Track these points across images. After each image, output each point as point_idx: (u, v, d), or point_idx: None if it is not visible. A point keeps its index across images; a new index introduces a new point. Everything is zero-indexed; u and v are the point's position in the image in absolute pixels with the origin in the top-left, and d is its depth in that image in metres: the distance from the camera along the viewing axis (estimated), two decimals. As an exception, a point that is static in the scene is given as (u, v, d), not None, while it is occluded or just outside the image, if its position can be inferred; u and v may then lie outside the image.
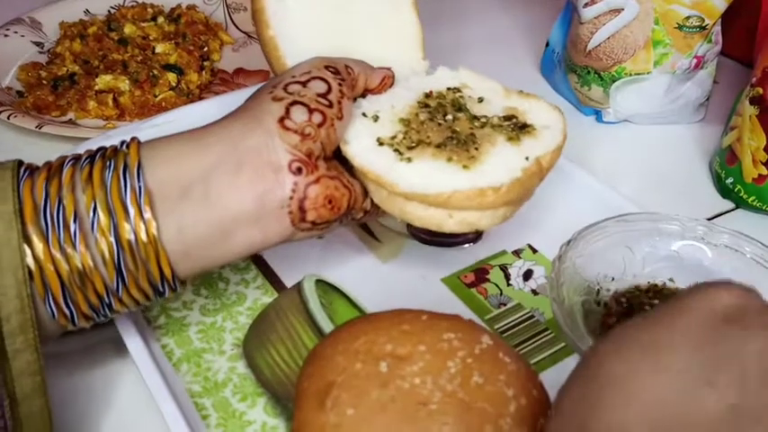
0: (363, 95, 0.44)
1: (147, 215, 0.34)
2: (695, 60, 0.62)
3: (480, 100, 0.45)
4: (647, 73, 0.62)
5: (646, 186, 0.60)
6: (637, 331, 0.27)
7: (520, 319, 0.47)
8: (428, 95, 0.45)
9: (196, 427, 0.39)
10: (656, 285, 0.45)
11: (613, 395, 0.25)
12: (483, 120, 0.43)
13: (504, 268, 0.51)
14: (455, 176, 0.39)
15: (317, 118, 0.38)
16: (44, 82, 0.66)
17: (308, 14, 0.47)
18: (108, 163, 0.35)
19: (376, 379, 0.33)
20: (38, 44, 0.73)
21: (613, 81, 0.63)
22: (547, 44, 0.72)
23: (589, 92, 0.66)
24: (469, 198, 0.39)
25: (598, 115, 0.67)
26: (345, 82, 0.41)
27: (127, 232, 0.34)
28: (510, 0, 0.89)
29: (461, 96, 0.45)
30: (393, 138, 0.41)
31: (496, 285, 0.49)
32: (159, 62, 0.68)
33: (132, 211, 0.34)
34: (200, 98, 0.67)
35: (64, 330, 0.36)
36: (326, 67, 0.41)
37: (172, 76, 0.67)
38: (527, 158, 0.41)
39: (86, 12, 0.78)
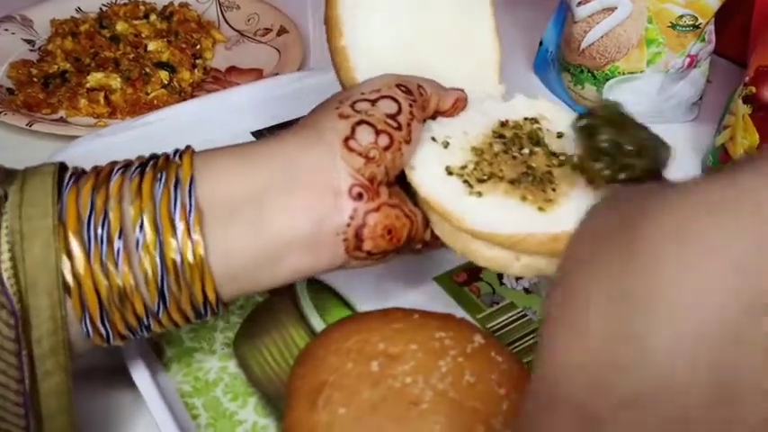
0: (434, 117, 0.41)
1: (197, 236, 0.32)
2: (688, 59, 0.62)
3: (560, 135, 0.41)
4: (641, 72, 0.62)
5: (639, 185, 0.60)
6: (708, 216, 0.20)
7: (512, 318, 0.47)
8: (504, 124, 0.41)
9: (186, 427, 0.39)
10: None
11: (680, 300, 0.19)
12: (562, 157, 0.39)
13: (496, 267, 0.50)
14: (529, 218, 0.36)
15: (383, 141, 0.36)
16: (35, 80, 0.66)
17: (384, 28, 0.44)
18: (159, 175, 0.33)
19: (367, 378, 0.33)
20: (29, 42, 0.73)
21: (607, 80, 0.63)
22: (540, 43, 0.72)
23: (582, 91, 0.65)
24: (543, 243, 0.35)
25: (591, 114, 0.67)
26: (416, 103, 0.38)
27: (173, 251, 0.32)
28: (507, 1, 0.88)
29: (539, 129, 0.41)
30: (463, 168, 0.38)
31: (489, 284, 0.49)
32: (151, 60, 0.68)
33: (180, 229, 0.32)
34: (193, 96, 0.66)
35: (95, 348, 0.34)
36: (398, 86, 0.38)
37: (164, 74, 0.66)
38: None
39: (78, 9, 0.78)
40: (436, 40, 0.45)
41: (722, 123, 0.58)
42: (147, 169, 0.34)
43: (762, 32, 0.55)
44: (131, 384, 0.40)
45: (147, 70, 0.66)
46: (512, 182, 0.37)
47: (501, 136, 0.41)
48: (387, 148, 0.36)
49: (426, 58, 0.44)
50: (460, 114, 0.42)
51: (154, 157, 0.35)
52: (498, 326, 0.46)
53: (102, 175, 0.33)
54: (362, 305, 0.47)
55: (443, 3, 0.45)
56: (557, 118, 0.42)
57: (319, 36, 0.80)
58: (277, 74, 0.68)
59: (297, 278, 0.36)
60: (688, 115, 0.66)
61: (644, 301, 0.19)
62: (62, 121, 0.63)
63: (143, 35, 0.71)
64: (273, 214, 0.34)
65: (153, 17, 0.74)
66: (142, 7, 0.75)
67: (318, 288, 0.48)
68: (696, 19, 0.60)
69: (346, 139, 0.35)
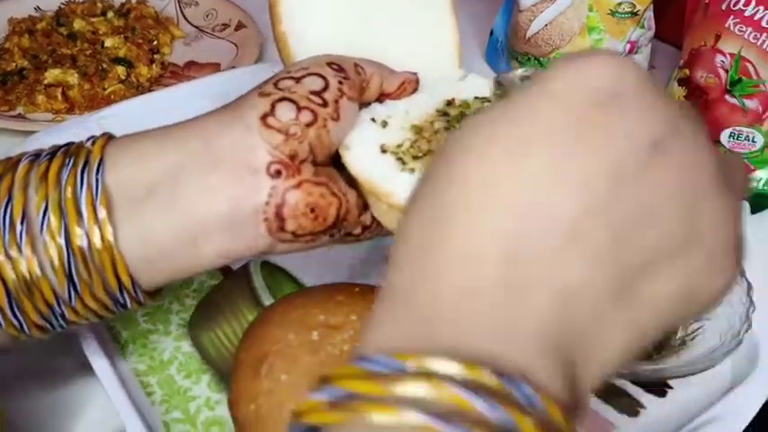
0: (381, 101, 0.40)
1: (103, 217, 0.31)
2: (629, 45, 0.64)
3: None
4: (584, 58, 0.64)
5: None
6: (490, 128, 0.22)
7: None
8: (450, 103, 0.41)
9: (141, 403, 0.40)
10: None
11: (467, 205, 0.21)
12: None
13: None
14: None
15: (305, 117, 0.34)
16: (-7, 77, 0.67)
17: (326, 12, 0.43)
18: (68, 160, 0.33)
19: (308, 347, 0.35)
20: (-14, 41, 0.73)
21: (552, 67, 0.65)
22: (491, 33, 0.74)
23: (530, 78, 0.68)
24: None
25: (540, 101, 0.69)
26: (349, 81, 0.37)
27: (78, 237, 0.31)
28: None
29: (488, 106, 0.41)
30: (399, 146, 0.37)
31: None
32: (108, 56, 0.69)
33: (86, 213, 0.31)
34: (150, 91, 0.67)
35: (18, 340, 0.34)
36: (329, 64, 0.37)
37: (121, 70, 0.68)
38: None
39: (37, 8, 0.79)
40: (389, 24, 0.44)
41: (661, 106, 0.60)
42: (57, 155, 0.33)
43: (695, 16, 0.57)
44: (87, 365, 0.41)
45: (104, 66, 0.67)
46: None
47: (445, 114, 0.40)
48: (310, 125, 0.34)
49: (377, 44, 0.43)
50: (410, 97, 0.41)
51: (69, 144, 0.34)
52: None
53: (10, 163, 0.33)
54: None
55: None
56: None
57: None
58: (234, 67, 0.69)
59: (221, 262, 0.35)
60: (632, 100, 0.69)
61: (440, 216, 0.22)
62: (20, 117, 0.64)
63: (100, 32, 0.72)
64: (188, 194, 0.33)
65: (110, 14, 0.75)
66: (99, 4, 0.76)
67: (272, 269, 0.49)
68: (634, 6, 0.62)
69: (264, 116, 0.34)
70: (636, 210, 0.21)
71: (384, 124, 0.39)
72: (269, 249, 0.35)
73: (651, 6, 0.63)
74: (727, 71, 0.53)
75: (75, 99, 0.65)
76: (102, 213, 0.32)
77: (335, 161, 0.37)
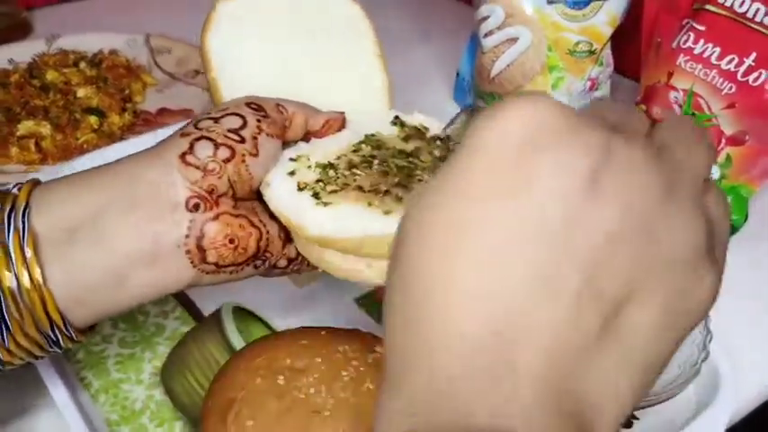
0: (307, 139, 0.42)
1: (30, 258, 0.33)
2: (590, 83, 0.66)
3: (429, 145, 0.43)
4: (546, 96, 0.66)
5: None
6: (436, 195, 0.22)
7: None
8: (371, 137, 0.43)
9: (112, 454, 0.40)
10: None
11: (429, 297, 0.21)
12: (423, 168, 0.41)
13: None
14: (370, 221, 0.37)
15: (223, 153, 0.36)
16: (-34, 130, 0.68)
17: (255, 59, 0.46)
18: None
19: (274, 391, 0.35)
20: (-40, 94, 0.74)
21: (516, 105, 0.67)
22: (457, 74, 0.76)
23: (496, 116, 0.69)
24: (382, 245, 0.35)
25: (506, 138, 0.70)
26: (268, 119, 0.39)
27: (8, 279, 0.33)
28: (425, 35, 0.93)
29: (405, 140, 0.43)
30: (317, 181, 0.39)
31: (407, 302, 0.52)
32: (81, 106, 0.70)
33: (14, 255, 0.33)
34: (122, 139, 0.68)
35: None
36: (247, 104, 0.39)
37: (93, 119, 0.69)
38: None
39: (10, 61, 0.80)
40: (317, 69, 0.47)
41: (622, 140, 0.62)
42: None
43: (648, 54, 0.59)
44: (58, 415, 0.41)
45: (77, 116, 0.68)
46: (365, 190, 0.38)
47: (370, 146, 0.42)
48: (227, 161, 0.36)
49: (306, 87, 0.45)
50: (335, 135, 0.43)
51: None
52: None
53: None
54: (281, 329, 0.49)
55: (322, 33, 0.47)
56: (433, 129, 0.45)
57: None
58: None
59: (151, 297, 0.36)
60: (595, 134, 0.71)
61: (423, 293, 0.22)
62: (-7, 169, 0.65)
63: (73, 83, 0.73)
64: (113, 233, 0.34)
65: (82, 65, 0.76)
66: (72, 56, 0.78)
67: (243, 315, 0.50)
68: (591, 45, 0.64)
69: (183, 155, 0.36)
70: (592, 248, 0.20)
71: (304, 161, 0.40)
72: (195, 281, 0.37)
73: (608, 44, 0.65)
74: (680, 106, 0.55)
75: (48, 150, 0.66)
76: (29, 254, 0.33)
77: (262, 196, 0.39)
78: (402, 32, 0.94)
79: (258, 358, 0.37)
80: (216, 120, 0.38)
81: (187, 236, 0.35)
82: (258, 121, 0.38)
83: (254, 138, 0.38)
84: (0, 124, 0.68)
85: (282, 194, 0.38)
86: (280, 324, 0.49)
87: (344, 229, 0.36)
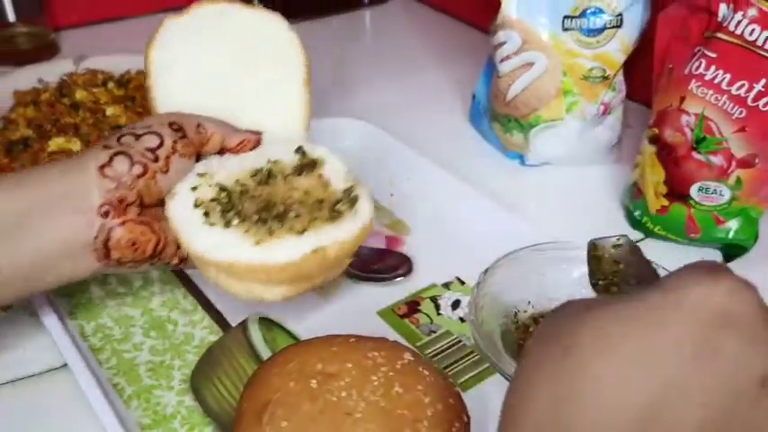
0: (223, 152, 0.47)
1: None
2: (602, 107, 0.68)
3: (320, 179, 0.47)
4: (561, 119, 0.68)
5: (566, 221, 0.65)
6: (622, 328, 0.25)
7: (448, 345, 0.51)
8: (272, 163, 0.47)
9: (146, 456, 0.42)
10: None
11: (599, 397, 0.24)
12: (304, 199, 0.45)
13: (434, 299, 0.55)
14: (242, 248, 0.42)
15: (137, 170, 0.42)
16: (-2, 146, 0.70)
17: (188, 71, 0.50)
18: None
19: (307, 394, 0.37)
20: (-8, 112, 0.77)
21: (531, 127, 0.69)
22: (473, 97, 0.78)
23: (512, 138, 0.71)
24: (245, 271, 0.42)
25: (521, 159, 0.73)
26: (185, 139, 0.44)
27: None
28: (445, 58, 0.95)
29: (299, 171, 0.47)
30: (212, 200, 0.44)
31: (427, 315, 0.54)
32: (109, 124, 0.72)
33: None
34: (150, 156, 0.70)
35: None
36: (170, 124, 0.44)
37: (122, 137, 0.71)
38: (314, 248, 0.42)
39: (40, 80, 0.82)
40: (246, 88, 0.51)
41: (635, 163, 0.64)
42: None
43: (661, 79, 0.61)
44: (95, 421, 0.43)
45: (106, 134, 0.71)
46: (245, 217, 0.43)
47: (263, 174, 0.46)
48: (140, 176, 0.42)
49: (233, 105, 0.50)
50: (243, 155, 0.48)
51: None
52: (435, 352, 0.51)
53: None
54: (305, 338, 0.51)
55: (256, 55, 0.51)
56: (331, 164, 0.48)
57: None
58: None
59: (62, 283, 0.43)
60: (608, 157, 0.73)
61: (572, 400, 0.25)
62: (25, 183, 0.67)
63: (101, 101, 0.75)
64: (33, 234, 0.40)
65: (111, 84, 0.78)
66: (100, 75, 0.80)
67: (268, 325, 0.52)
68: (605, 71, 0.66)
69: (102, 167, 0.42)
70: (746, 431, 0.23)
71: (207, 179, 0.45)
72: (100, 272, 0.43)
73: (621, 71, 0.68)
74: (692, 130, 0.57)
75: (77, 165, 0.68)
76: None
77: None
78: (419, 57, 0.96)
79: (290, 363, 0.39)
80: (137, 137, 0.43)
81: (96, 237, 0.42)
82: (175, 142, 0.44)
83: (168, 157, 0.44)
84: (31, 140, 0.70)
85: (179, 209, 0.44)
86: (304, 334, 0.51)
87: (218, 252, 0.42)
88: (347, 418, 0.36)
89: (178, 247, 0.45)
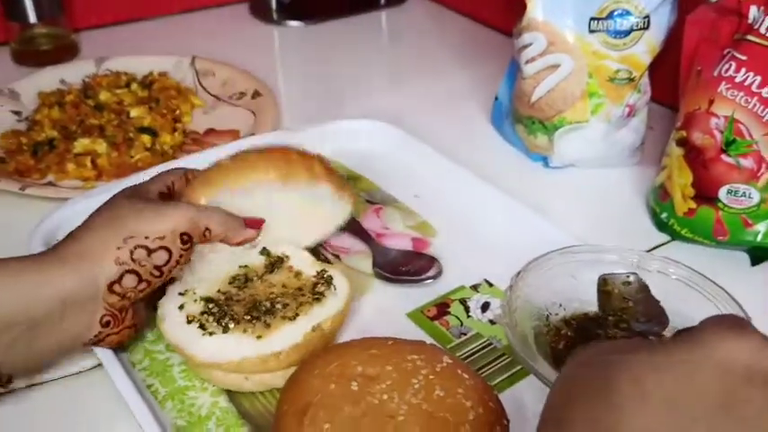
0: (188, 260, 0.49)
1: None
2: (627, 109, 0.68)
3: (292, 271, 0.51)
4: (586, 121, 0.68)
5: (590, 223, 0.65)
6: (656, 375, 0.27)
7: (479, 347, 0.51)
8: (243, 267, 0.51)
9: (183, 457, 0.42)
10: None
11: None
12: (284, 291, 0.49)
13: (463, 302, 0.55)
14: (246, 346, 0.45)
15: (142, 286, 0.45)
16: (24, 148, 0.70)
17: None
18: None
19: (348, 397, 0.37)
20: (16, 113, 0.77)
21: (556, 129, 0.69)
22: (496, 98, 0.78)
23: (535, 140, 0.71)
24: (256, 364, 0.45)
25: (545, 161, 0.73)
26: (189, 251, 0.46)
27: None
28: (463, 60, 0.96)
29: (270, 270, 0.51)
30: (202, 313, 0.47)
31: (457, 317, 0.54)
32: (134, 125, 0.72)
33: None
34: (174, 158, 0.71)
35: None
36: (181, 236, 0.46)
37: (146, 138, 0.71)
38: (312, 326, 0.46)
39: (62, 81, 0.83)
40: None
41: (661, 164, 0.64)
42: None
43: (689, 82, 0.61)
44: (132, 421, 0.43)
45: (131, 135, 0.71)
46: (239, 320, 0.46)
47: (238, 279, 0.50)
48: (143, 291, 0.45)
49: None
50: (220, 261, 0.51)
51: None
52: (467, 354, 0.51)
53: None
54: (342, 340, 0.51)
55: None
56: (296, 256, 0.52)
57: (292, 98, 0.86)
58: (253, 134, 0.73)
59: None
60: (632, 159, 0.73)
61: None
62: (51, 184, 0.67)
63: (125, 103, 0.76)
64: (44, 339, 0.42)
65: (134, 86, 0.79)
66: (123, 77, 0.80)
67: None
68: (631, 73, 0.66)
69: (111, 284, 0.44)
70: None
71: (190, 295, 0.49)
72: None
73: (647, 73, 0.68)
74: (721, 132, 0.57)
75: (103, 167, 0.68)
76: None
77: None
78: (437, 58, 0.97)
79: (330, 365, 0.39)
80: (150, 252, 0.45)
81: (91, 339, 0.45)
82: (181, 256, 0.46)
83: (170, 271, 0.46)
84: (57, 141, 0.70)
85: (174, 328, 0.47)
86: (336, 336, 0.51)
87: (226, 355, 0.45)
88: (390, 420, 0.36)
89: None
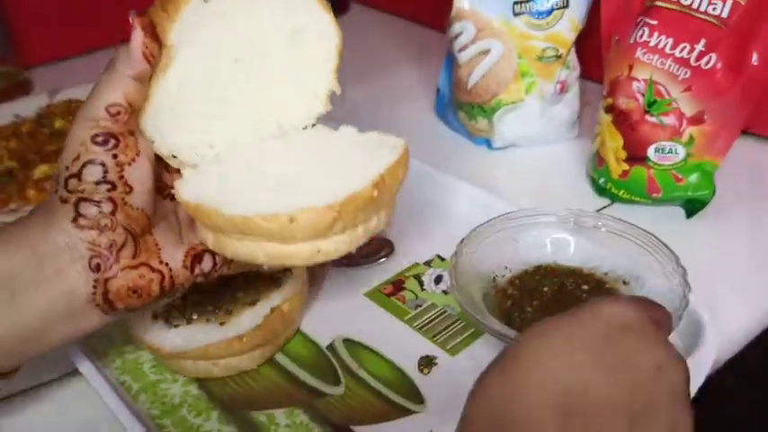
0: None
1: None
2: (559, 85, 0.72)
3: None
4: (521, 101, 0.72)
5: (536, 197, 0.68)
6: (557, 325, 0.34)
7: (434, 316, 0.54)
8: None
9: (158, 441, 0.44)
10: (539, 266, 0.53)
11: (530, 383, 0.32)
12: (237, 287, 0.51)
13: (417, 277, 0.58)
14: (211, 332, 0.48)
15: (106, 207, 0.38)
16: (-16, 179, 0.72)
17: (209, 46, 0.42)
18: None
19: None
20: (-26, 148, 0.78)
21: (494, 112, 0.73)
22: (437, 90, 0.81)
23: (477, 124, 0.75)
24: (222, 349, 0.48)
25: (488, 144, 0.76)
26: (120, 145, 0.38)
27: None
28: (408, 60, 0.99)
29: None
30: (166, 308, 0.49)
31: (412, 292, 0.56)
32: (91, 148, 0.74)
33: None
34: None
35: None
36: (93, 140, 0.38)
37: (104, 159, 0.73)
38: (271, 308, 0.49)
39: (17, 116, 0.85)
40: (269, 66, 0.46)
41: (594, 133, 0.68)
42: None
43: (609, 52, 0.65)
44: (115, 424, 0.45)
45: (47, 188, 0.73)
46: (202, 309, 0.49)
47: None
48: (114, 212, 0.38)
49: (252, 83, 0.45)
50: None
51: None
52: (424, 323, 0.53)
53: None
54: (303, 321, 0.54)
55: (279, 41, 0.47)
56: None
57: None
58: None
59: (70, 341, 0.40)
60: (570, 134, 0.76)
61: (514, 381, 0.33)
62: (13, 212, 0.69)
63: (80, 128, 0.78)
64: (26, 296, 0.37)
65: (88, 111, 0.81)
66: (75, 104, 0.82)
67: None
68: (557, 50, 0.70)
69: (75, 219, 0.37)
70: (647, 405, 0.32)
71: None
72: (109, 323, 0.40)
73: (573, 49, 0.71)
74: (643, 95, 0.61)
75: (63, 190, 0.70)
76: None
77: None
78: (383, 60, 1.00)
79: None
80: (78, 177, 0.38)
81: (94, 294, 0.38)
82: (114, 156, 0.38)
83: (121, 177, 0.38)
84: (15, 171, 0.72)
85: (143, 327, 0.48)
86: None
87: (193, 342, 0.47)
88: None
89: (192, 267, 0.41)
